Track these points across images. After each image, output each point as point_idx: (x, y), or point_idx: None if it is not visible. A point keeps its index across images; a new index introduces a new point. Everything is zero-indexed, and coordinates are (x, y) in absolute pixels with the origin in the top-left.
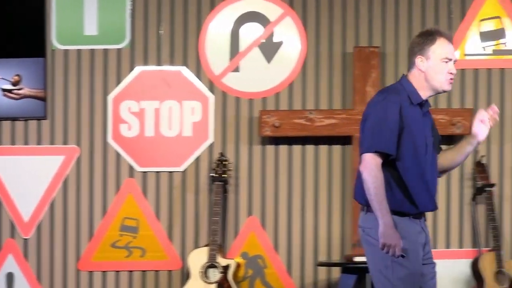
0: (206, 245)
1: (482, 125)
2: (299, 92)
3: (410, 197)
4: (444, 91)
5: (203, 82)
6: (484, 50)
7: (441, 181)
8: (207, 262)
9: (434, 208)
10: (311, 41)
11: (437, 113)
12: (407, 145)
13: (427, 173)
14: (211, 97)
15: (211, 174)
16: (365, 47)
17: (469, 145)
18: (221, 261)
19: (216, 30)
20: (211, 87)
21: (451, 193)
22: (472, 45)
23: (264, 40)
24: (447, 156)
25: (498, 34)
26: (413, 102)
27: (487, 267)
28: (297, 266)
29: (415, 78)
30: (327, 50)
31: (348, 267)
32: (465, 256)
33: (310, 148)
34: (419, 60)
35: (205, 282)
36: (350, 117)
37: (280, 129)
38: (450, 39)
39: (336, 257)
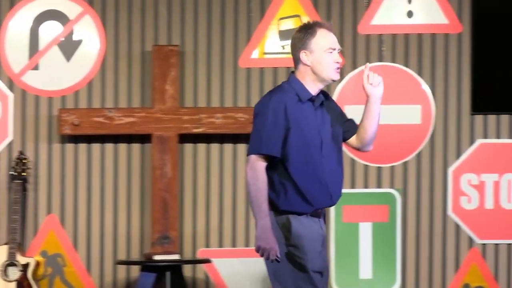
0: (5, 244)
1: (370, 84)
2: (98, 91)
3: (303, 195)
4: (333, 81)
5: (2, 80)
6: (284, 48)
7: (241, 180)
8: (6, 260)
9: (330, 203)
10: (110, 39)
11: (236, 111)
12: (295, 145)
13: (324, 169)
14: (10, 95)
15: (10, 173)
16: (164, 45)
17: (372, 104)
18: (21, 259)
19: (15, 28)
20: (11, 85)
21: None
22: (272, 44)
23: (63, 39)
24: (363, 126)
25: None
26: (301, 99)
27: None
28: (96, 265)
29: (302, 74)
30: (126, 49)
31: (147, 265)
32: None
33: (109, 146)
34: (303, 55)
35: (5, 280)
36: (149, 115)
37: (79, 128)
38: (330, 29)
39: (135, 256)
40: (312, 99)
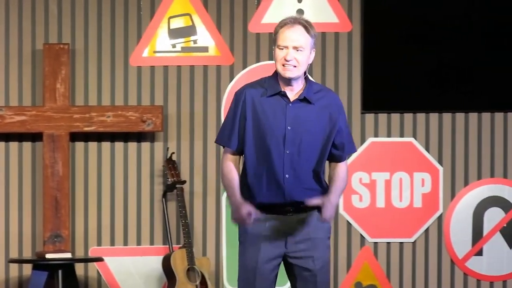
0: None
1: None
2: None
3: (248, 188)
4: (286, 78)
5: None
6: (174, 47)
7: (132, 179)
8: None
9: (278, 201)
10: (0, 37)
11: (127, 110)
12: (251, 138)
13: (279, 165)
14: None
15: None
16: (54, 44)
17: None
18: None
19: None
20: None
21: (142, 190)
22: (162, 42)
23: None
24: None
25: (187, 31)
26: (268, 93)
27: (178, 264)
28: None
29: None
30: (17, 47)
31: (39, 263)
32: (156, 253)
33: (0, 145)
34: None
35: None
36: (40, 114)
37: None
38: (291, 25)
39: (27, 254)
40: (282, 94)
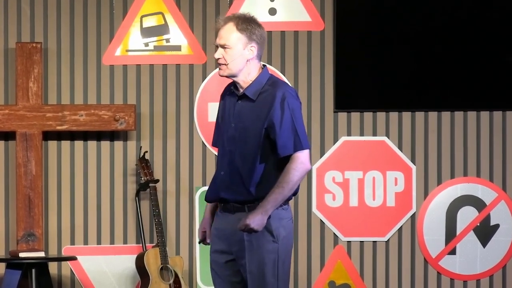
0: None
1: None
2: None
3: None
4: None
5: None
6: (146, 46)
7: (105, 178)
8: None
9: (210, 200)
10: None
11: (99, 108)
12: (217, 134)
13: (223, 163)
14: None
15: None
16: (27, 43)
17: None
18: None
19: None
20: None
21: (115, 189)
22: (134, 41)
23: None
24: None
25: (160, 30)
26: (230, 91)
27: (152, 263)
28: None
29: None
30: None
31: (12, 262)
32: (130, 252)
33: None
34: None
35: None
36: (13, 112)
37: None
38: (222, 24)
39: (0, 253)
40: (231, 91)
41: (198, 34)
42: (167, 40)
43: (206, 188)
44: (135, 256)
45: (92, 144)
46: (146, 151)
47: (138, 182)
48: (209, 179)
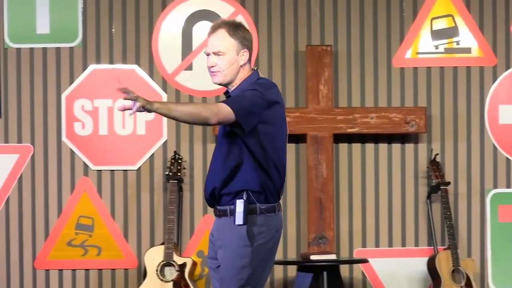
0: (162, 244)
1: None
2: None
3: None
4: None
5: (156, 80)
6: (437, 48)
7: (396, 180)
8: (163, 261)
9: (208, 203)
10: (262, 39)
11: (390, 111)
12: None
13: (212, 164)
14: (164, 95)
15: (166, 173)
16: (317, 45)
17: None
18: (177, 259)
19: (168, 29)
20: (164, 85)
21: (406, 191)
22: (425, 44)
23: None
24: None
25: (450, 32)
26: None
27: (443, 265)
28: None
29: None
30: (279, 49)
31: (304, 265)
32: (421, 255)
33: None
34: None
35: (162, 280)
36: (304, 115)
37: None
38: (213, 31)
39: (292, 256)
40: (226, 94)
41: (488, 36)
42: (457, 43)
43: (498, 190)
44: (426, 258)
45: (383, 146)
46: (437, 154)
47: (429, 185)
48: (501, 182)
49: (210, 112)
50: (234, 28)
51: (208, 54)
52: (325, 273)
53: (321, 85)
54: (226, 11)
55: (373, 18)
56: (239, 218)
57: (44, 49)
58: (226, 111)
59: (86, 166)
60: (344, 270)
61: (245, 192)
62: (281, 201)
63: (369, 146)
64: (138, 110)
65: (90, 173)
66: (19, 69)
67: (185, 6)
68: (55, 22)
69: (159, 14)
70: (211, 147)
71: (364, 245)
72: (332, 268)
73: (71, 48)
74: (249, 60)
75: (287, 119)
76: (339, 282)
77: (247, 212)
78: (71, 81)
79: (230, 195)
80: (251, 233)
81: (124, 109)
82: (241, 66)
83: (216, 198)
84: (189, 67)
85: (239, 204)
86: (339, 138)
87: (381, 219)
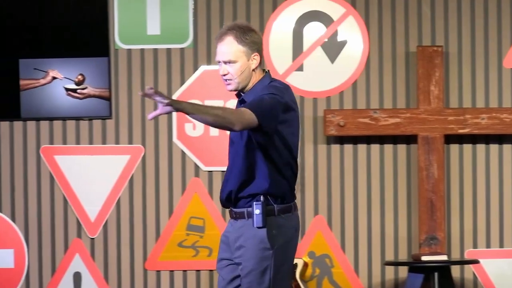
0: None
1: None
2: (363, 91)
3: None
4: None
5: None
6: None
7: (507, 181)
8: None
9: (222, 205)
10: (373, 40)
11: (501, 112)
12: None
13: (229, 166)
14: None
15: None
16: (428, 46)
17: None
18: None
19: (279, 29)
20: None
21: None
22: None
23: (327, 39)
24: None
25: None
26: None
27: None
28: (364, 266)
29: None
30: (390, 49)
31: (415, 266)
32: None
33: (375, 147)
34: None
35: None
36: (414, 116)
37: (344, 129)
38: (220, 38)
39: (403, 257)
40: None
41: None
42: None
43: None
44: None
45: (494, 147)
46: None
47: None
48: None
49: (236, 118)
50: (242, 33)
51: (219, 62)
52: (436, 274)
53: (432, 86)
54: (337, 12)
55: (483, 18)
56: (258, 221)
57: (155, 50)
58: (250, 117)
59: (197, 167)
60: (455, 271)
61: (262, 194)
62: (392, 202)
63: (480, 147)
64: (165, 112)
65: (201, 174)
66: (130, 70)
67: (296, 7)
68: (165, 23)
69: (270, 15)
70: (322, 148)
71: (475, 245)
72: (443, 269)
73: (182, 49)
74: (261, 62)
75: (398, 120)
76: (450, 283)
77: (265, 214)
78: (182, 82)
79: (247, 197)
80: (271, 235)
81: (153, 117)
82: (253, 70)
83: (233, 201)
84: (300, 68)
85: (257, 207)
86: (450, 138)
87: (492, 220)
